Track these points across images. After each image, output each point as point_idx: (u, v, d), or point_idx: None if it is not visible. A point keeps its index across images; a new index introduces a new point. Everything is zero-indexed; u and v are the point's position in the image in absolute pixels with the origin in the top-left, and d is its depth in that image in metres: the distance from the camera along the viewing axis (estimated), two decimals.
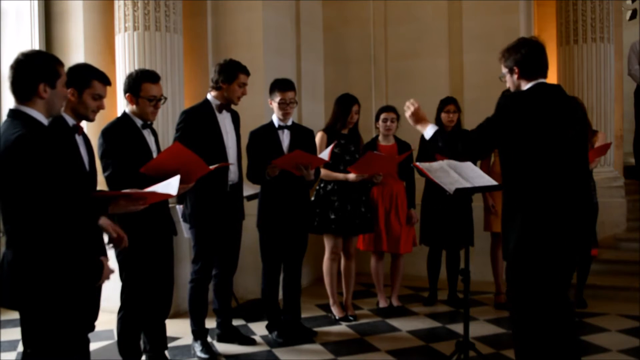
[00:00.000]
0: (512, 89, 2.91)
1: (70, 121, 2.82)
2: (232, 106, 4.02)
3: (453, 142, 2.94)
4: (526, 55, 2.79)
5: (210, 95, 3.97)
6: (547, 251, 2.72)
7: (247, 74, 3.95)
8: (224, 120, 3.96)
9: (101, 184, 3.10)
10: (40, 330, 2.34)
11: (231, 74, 3.88)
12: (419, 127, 3.08)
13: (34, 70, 2.30)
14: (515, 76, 2.83)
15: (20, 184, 2.19)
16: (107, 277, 2.44)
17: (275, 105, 4.19)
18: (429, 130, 3.03)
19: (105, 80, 2.90)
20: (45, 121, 2.36)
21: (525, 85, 2.82)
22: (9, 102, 5.95)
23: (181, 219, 4.14)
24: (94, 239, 2.60)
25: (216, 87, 3.92)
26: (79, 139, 2.83)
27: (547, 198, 2.71)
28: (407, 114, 3.10)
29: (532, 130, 2.69)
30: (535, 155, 2.71)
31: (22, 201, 2.21)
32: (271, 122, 4.26)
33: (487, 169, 4.85)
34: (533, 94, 2.77)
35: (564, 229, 2.73)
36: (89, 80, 2.82)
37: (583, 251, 2.82)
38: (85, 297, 2.45)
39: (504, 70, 2.89)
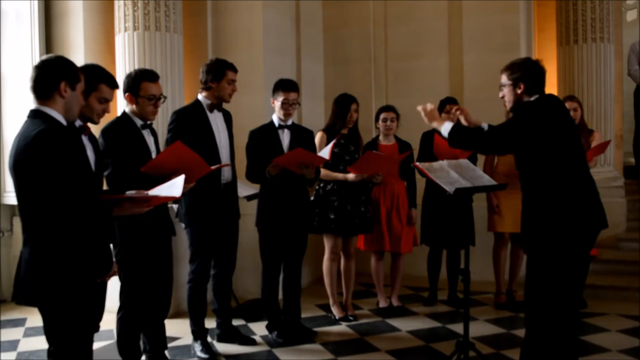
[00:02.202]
0: (508, 100, 3.08)
1: (77, 122, 2.82)
2: (233, 103, 4.02)
3: (472, 136, 3.11)
4: (533, 73, 3.01)
5: (200, 96, 3.98)
6: (578, 235, 2.89)
7: (235, 70, 3.96)
8: (216, 119, 3.97)
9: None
10: (57, 327, 2.38)
11: (219, 72, 3.89)
12: (435, 124, 3.23)
13: (58, 69, 2.39)
14: (520, 90, 3.00)
15: (39, 179, 2.23)
16: (113, 274, 2.54)
17: (277, 105, 4.19)
18: (446, 126, 3.14)
19: (113, 84, 2.87)
20: (64, 121, 2.39)
21: (528, 98, 3.01)
22: (9, 102, 5.96)
23: (177, 219, 4.14)
24: (102, 237, 2.62)
25: (206, 87, 3.94)
26: (85, 139, 2.83)
27: (571, 189, 2.90)
28: (422, 114, 3.28)
29: (553, 131, 2.89)
30: (558, 153, 2.90)
31: (39, 197, 2.24)
32: (271, 122, 4.27)
33: (490, 169, 4.85)
34: (545, 102, 2.98)
35: (591, 213, 2.93)
36: (97, 83, 2.78)
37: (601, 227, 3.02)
38: (93, 295, 2.48)
39: (507, 81, 3.05)
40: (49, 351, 2.45)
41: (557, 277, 2.88)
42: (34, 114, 2.36)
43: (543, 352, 2.90)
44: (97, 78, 2.81)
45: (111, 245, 3.00)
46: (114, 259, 3.09)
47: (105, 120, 3.55)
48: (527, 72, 3.00)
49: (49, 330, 2.42)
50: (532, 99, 3.00)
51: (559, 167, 2.91)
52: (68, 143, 2.31)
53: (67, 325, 2.36)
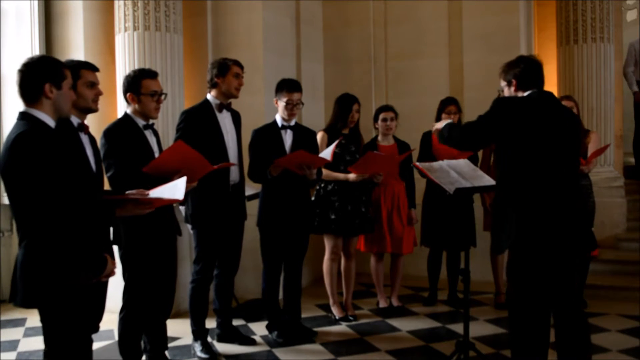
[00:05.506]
0: None
1: (75, 120, 2.82)
2: (233, 104, 4.02)
3: (453, 131, 3.13)
4: (523, 70, 3.03)
5: (209, 95, 3.97)
6: (541, 250, 2.81)
7: (241, 66, 3.96)
8: (224, 119, 3.96)
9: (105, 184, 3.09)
10: (51, 329, 2.38)
11: (224, 66, 3.90)
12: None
13: (40, 71, 2.39)
14: (513, 88, 3.05)
15: (22, 181, 2.24)
16: (110, 274, 2.49)
17: (281, 105, 4.19)
18: (443, 123, 3.23)
19: (93, 67, 2.91)
20: (52, 123, 2.42)
21: (522, 94, 3.02)
22: (9, 102, 5.97)
23: (184, 220, 4.14)
24: (100, 236, 2.61)
25: (213, 85, 3.93)
26: (84, 138, 2.83)
27: (540, 198, 2.82)
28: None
29: (527, 131, 2.85)
30: (528, 155, 2.85)
31: (26, 199, 2.25)
32: (274, 122, 4.26)
33: (487, 169, 4.85)
34: (528, 99, 2.97)
35: (557, 229, 2.84)
36: (77, 71, 2.81)
37: (580, 252, 2.93)
38: (90, 296, 2.47)
39: (503, 83, 3.13)
40: (45, 352, 2.45)
41: (530, 286, 2.84)
42: (21, 116, 2.39)
43: (520, 351, 2.90)
44: (76, 67, 2.84)
45: (115, 247, 3.00)
46: (113, 258, 3.10)
47: (107, 121, 3.57)
48: (518, 69, 3.03)
49: (45, 330, 2.42)
50: (525, 94, 2.99)
51: (535, 170, 2.84)
52: (52, 144, 2.30)
53: (63, 326, 2.36)
